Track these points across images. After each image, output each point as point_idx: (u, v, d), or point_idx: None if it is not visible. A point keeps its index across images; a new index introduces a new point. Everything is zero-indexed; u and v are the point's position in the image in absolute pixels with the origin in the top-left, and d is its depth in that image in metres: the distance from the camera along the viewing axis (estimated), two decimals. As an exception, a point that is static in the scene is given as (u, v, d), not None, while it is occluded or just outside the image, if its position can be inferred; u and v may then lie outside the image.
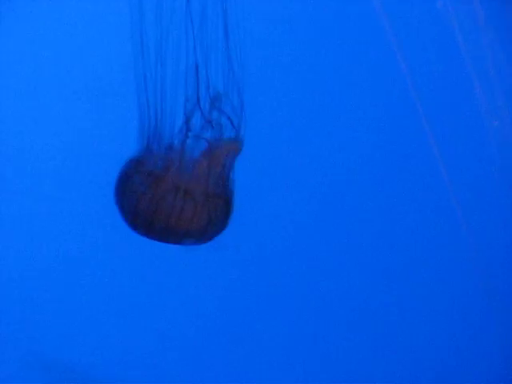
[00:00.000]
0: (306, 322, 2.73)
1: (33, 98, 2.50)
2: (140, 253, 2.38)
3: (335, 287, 2.77)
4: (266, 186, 2.60)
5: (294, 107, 2.65)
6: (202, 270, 2.53)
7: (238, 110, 1.70)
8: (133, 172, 1.60)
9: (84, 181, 2.42)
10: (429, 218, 2.77)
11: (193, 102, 1.61)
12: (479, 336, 2.78)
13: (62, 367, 2.29)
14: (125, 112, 1.88)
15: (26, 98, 2.51)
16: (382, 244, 2.69)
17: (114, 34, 2.36)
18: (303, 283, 2.73)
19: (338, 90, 2.70)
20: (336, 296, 2.76)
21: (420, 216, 2.75)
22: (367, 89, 2.66)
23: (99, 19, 2.51)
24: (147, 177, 1.58)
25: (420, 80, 2.63)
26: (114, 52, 2.36)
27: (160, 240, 1.62)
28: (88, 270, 2.44)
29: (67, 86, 2.48)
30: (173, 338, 2.57)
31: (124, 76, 1.93)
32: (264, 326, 2.69)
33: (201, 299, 2.58)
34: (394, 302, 2.71)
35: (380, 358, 2.78)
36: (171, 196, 1.55)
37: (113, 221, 1.79)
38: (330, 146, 2.72)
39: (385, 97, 2.69)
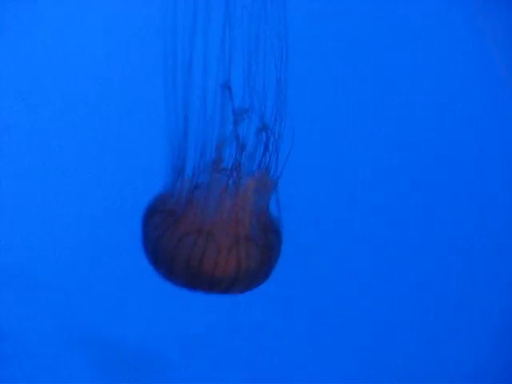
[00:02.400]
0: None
1: (67, 135, 2.50)
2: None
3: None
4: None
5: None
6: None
7: (272, 145, 1.57)
8: (154, 211, 1.49)
9: (110, 219, 2.38)
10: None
11: (223, 138, 1.51)
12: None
13: (106, 342, 2.33)
14: (154, 148, 1.79)
15: (62, 136, 2.49)
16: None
17: (146, 72, 2.34)
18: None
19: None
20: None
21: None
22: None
23: (130, 56, 2.51)
24: (168, 216, 1.46)
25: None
26: (146, 87, 2.33)
27: (186, 287, 1.48)
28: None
29: (99, 126, 2.47)
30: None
31: (154, 113, 1.93)
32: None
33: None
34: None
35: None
36: (191, 238, 1.41)
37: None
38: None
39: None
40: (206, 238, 1.37)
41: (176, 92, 1.71)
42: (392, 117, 2.64)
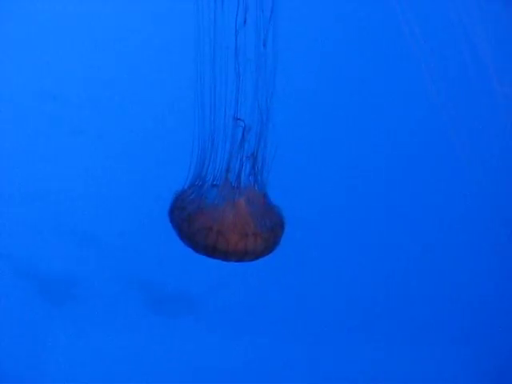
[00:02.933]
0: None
1: (98, 135, 2.67)
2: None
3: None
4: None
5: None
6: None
7: (263, 165, 1.79)
8: (174, 207, 1.76)
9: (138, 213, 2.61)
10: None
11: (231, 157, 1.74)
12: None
13: (152, 284, 2.58)
14: (178, 153, 1.94)
15: (90, 137, 2.66)
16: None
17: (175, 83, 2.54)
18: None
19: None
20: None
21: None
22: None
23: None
24: (183, 212, 1.72)
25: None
26: (173, 97, 2.56)
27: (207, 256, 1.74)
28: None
29: (130, 128, 2.65)
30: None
31: (181, 122, 2.20)
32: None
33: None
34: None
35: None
36: (203, 233, 1.67)
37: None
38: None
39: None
40: (216, 235, 1.64)
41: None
42: (381, 120, 2.66)
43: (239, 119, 1.76)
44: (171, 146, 2.49)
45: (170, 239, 1.94)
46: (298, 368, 2.70)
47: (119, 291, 2.54)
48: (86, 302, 2.55)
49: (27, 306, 2.48)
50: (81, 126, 2.64)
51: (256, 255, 1.69)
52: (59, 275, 2.50)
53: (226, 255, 1.65)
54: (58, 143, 2.64)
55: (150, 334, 2.49)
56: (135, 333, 2.48)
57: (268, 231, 1.69)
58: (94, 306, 2.57)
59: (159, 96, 2.61)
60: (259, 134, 1.78)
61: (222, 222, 1.63)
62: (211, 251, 1.64)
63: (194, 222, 1.65)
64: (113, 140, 2.62)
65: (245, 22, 1.82)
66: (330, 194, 2.68)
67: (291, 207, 1.97)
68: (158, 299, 2.43)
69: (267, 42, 1.90)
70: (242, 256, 1.66)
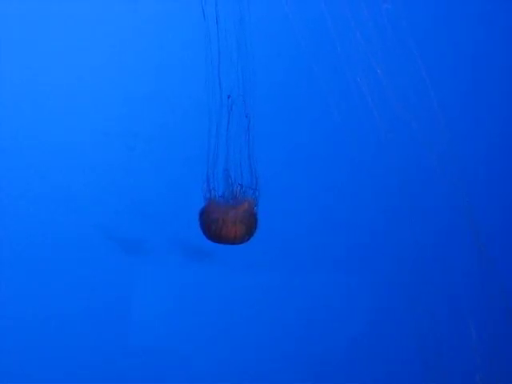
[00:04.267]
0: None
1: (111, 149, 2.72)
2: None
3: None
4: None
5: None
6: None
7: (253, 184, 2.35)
8: (201, 210, 2.37)
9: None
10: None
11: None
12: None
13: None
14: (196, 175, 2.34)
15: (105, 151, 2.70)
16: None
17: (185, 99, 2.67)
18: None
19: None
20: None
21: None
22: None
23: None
24: (205, 212, 2.37)
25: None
26: (185, 116, 2.67)
27: (222, 243, 2.37)
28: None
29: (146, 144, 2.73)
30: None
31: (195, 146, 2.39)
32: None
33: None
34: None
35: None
36: (216, 223, 2.33)
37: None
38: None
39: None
40: (222, 222, 2.35)
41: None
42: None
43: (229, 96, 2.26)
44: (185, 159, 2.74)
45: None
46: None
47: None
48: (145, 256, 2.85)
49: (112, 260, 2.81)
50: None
51: (242, 237, 2.38)
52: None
53: (226, 237, 2.39)
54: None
55: (191, 278, 2.84)
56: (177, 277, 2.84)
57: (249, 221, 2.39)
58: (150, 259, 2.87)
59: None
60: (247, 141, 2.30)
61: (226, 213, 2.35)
62: (218, 234, 2.38)
63: (210, 215, 2.37)
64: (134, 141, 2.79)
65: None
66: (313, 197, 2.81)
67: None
68: (194, 252, 2.84)
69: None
70: (233, 238, 2.38)
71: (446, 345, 2.64)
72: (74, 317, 2.82)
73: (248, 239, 2.43)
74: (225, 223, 2.38)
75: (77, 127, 2.74)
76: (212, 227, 2.39)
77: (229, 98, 2.29)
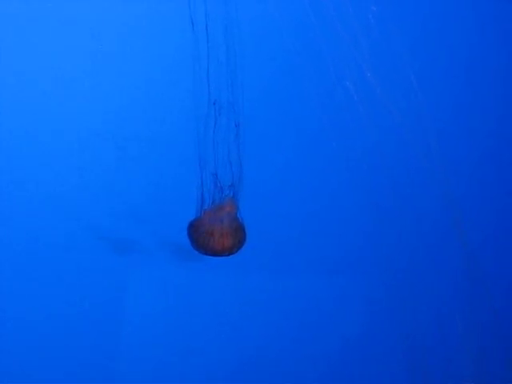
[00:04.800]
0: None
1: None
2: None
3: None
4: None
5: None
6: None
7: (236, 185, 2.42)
8: (190, 224, 2.46)
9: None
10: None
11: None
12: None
13: None
14: (187, 187, 2.48)
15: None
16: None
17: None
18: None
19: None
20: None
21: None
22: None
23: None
24: (192, 227, 2.45)
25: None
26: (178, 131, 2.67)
27: (210, 255, 2.46)
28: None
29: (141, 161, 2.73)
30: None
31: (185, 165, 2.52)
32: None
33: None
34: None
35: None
36: (203, 237, 2.41)
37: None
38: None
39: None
40: (209, 234, 2.42)
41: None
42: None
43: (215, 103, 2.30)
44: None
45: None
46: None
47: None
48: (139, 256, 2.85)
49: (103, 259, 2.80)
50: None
51: (230, 250, 2.47)
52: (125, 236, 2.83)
53: (214, 249, 2.48)
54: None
55: (184, 276, 2.84)
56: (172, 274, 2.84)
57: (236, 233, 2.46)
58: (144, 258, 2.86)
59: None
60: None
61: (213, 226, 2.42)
62: (206, 247, 2.48)
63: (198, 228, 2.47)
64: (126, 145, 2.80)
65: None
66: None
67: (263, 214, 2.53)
68: (186, 253, 2.81)
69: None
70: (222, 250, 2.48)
71: (436, 345, 2.69)
72: (66, 317, 2.82)
73: (236, 251, 2.47)
74: (212, 236, 2.42)
75: (68, 127, 2.74)
76: (200, 240, 2.45)
77: (214, 104, 2.33)
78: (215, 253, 2.48)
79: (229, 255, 2.51)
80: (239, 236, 2.47)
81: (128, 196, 2.81)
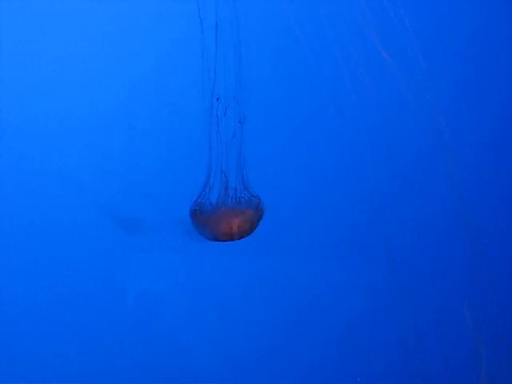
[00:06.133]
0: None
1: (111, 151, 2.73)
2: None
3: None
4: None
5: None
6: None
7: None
8: (193, 208, 2.48)
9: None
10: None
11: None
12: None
13: None
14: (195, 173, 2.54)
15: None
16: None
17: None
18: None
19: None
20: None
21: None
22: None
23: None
24: (196, 211, 2.47)
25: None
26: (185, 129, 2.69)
27: (219, 241, 2.48)
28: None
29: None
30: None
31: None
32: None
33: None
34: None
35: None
36: (204, 226, 2.45)
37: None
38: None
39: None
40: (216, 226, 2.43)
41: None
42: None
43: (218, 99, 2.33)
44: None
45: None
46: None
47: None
48: (148, 235, 2.86)
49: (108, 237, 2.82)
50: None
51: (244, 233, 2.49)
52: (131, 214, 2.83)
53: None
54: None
55: (191, 255, 2.83)
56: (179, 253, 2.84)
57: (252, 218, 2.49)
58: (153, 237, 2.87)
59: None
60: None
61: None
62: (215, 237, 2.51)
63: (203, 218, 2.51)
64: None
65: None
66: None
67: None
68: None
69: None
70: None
71: (436, 336, 2.70)
72: (72, 295, 2.84)
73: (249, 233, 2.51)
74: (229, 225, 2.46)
75: (77, 105, 2.74)
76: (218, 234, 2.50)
77: (218, 100, 2.35)
78: (224, 236, 2.48)
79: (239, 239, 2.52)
80: (253, 223, 2.50)
81: (138, 175, 2.82)
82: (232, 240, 2.49)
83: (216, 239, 2.48)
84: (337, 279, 2.78)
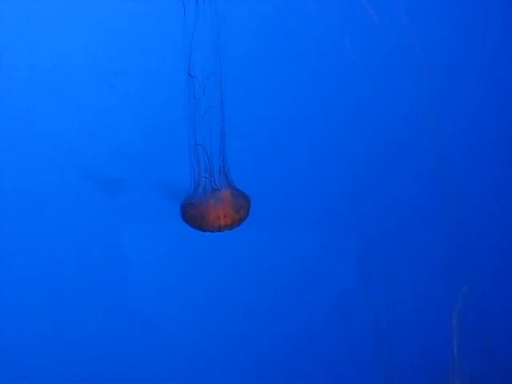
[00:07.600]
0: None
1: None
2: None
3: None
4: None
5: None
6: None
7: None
8: (184, 203, 2.47)
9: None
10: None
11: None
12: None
13: None
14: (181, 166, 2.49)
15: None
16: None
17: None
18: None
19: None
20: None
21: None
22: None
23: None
24: (189, 205, 2.45)
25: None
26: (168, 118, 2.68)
27: (205, 231, 2.48)
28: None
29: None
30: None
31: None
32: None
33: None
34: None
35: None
36: (195, 219, 2.43)
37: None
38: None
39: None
40: (201, 219, 2.44)
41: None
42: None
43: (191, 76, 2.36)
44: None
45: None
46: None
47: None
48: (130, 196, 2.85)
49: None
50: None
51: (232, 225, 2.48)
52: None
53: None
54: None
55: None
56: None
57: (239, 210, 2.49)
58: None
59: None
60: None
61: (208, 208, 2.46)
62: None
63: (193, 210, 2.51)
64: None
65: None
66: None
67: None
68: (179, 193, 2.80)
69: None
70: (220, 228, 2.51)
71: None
72: (57, 258, 2.83)
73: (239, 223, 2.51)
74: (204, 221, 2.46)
75: (58, 68, 2.72)
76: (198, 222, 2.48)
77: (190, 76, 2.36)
78: (213, 227, 2.50)
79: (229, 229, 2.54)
80: (240, 213, 2.51)
81: (119, 136, 2.80)
82: (220, 231, 2.51)
83: (206, 230, 2.50)
84: (327, 248, 2.83)
